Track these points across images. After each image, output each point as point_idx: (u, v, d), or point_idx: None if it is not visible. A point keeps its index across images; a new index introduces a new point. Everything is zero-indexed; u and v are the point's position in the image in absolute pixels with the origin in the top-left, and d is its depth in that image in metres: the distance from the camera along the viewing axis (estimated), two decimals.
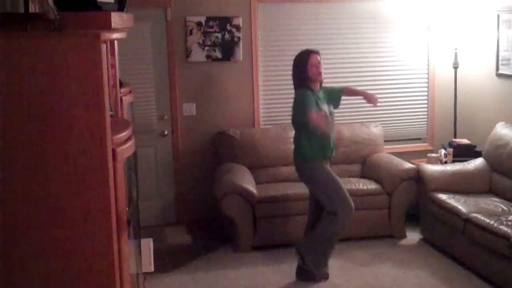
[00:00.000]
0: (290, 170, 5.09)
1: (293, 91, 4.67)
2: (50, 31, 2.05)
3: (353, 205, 4.51)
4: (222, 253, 5.20)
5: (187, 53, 5.67)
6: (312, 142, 4.51)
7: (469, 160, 5.44)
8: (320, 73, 4.54)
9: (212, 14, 5.66)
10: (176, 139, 5.78)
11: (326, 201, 4.53)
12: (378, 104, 6.01)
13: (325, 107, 4.55)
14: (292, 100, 4.65)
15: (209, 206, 5.59)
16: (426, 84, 6.22)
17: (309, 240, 4.63)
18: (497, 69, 5.58)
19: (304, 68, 4.52)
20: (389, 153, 5.90)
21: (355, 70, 6.02)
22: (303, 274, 4.59)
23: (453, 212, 4.79)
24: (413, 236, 5.43)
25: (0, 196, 1.93)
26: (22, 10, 2.15)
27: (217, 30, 5.68)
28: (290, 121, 4.71)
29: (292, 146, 4.74)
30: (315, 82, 4.55)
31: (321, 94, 4.57)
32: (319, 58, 4.55)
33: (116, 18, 2.27)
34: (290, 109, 4.70)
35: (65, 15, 2.11)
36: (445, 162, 5.55)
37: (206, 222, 5.76)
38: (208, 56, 5.71)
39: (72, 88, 1.91)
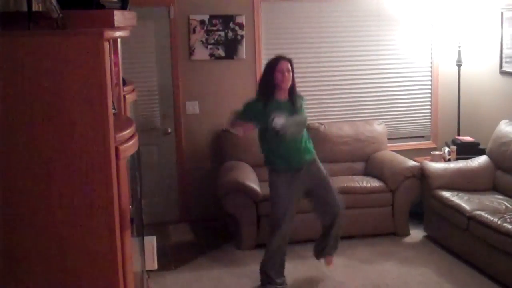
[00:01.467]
0: None
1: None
2: (53, 30, 2.05)
3: (283, 233, 4.35)
4: (226, 250, 5.20)
5: (190, 51, 5.67)
6: (271, 147, 4.33)
7: (472, 157, 5.43)
8: (283, 81, 4.23)
9: (215, 12, 5.66)
10: (180, 137, 5.79)
11: (271, 212, 4.44)
12: (381, 102, 6.09)
13: (289, 116, 4.20)
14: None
15: (213, 204, 5.60)
16: (430, 82, 6.21)
17: (265, 255, 4.47)
18: (501, 66, 5.57)
19: (271, 74, 4.26)
20: (393, 151, 5.90)
21: (359, 68, 6.01)
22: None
23: (456, 209, 4.79)
24: (416, 234, 5.42)
25: (2, 194, 1.94)
26: (25, 9, 2.15)
27: (220, 28, 5.68)
28: None
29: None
30: (280, 90, 4.28)
31: (286, 103, 4.29)
32: (289, 66, 4.26)
33: (119, 16, 2.27)
34: None
35: (68, 13, 2.11)
36: (449, 160, 5.55)
37: (210, 220, 5.77)
38: (211, 55, 5.71)
39: (75, 87, 1.92)
